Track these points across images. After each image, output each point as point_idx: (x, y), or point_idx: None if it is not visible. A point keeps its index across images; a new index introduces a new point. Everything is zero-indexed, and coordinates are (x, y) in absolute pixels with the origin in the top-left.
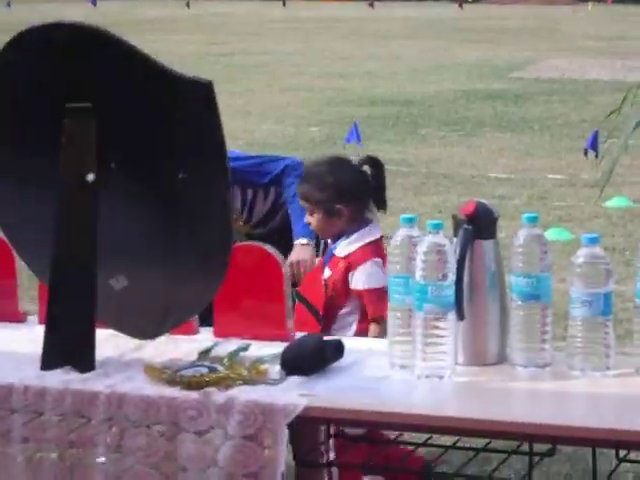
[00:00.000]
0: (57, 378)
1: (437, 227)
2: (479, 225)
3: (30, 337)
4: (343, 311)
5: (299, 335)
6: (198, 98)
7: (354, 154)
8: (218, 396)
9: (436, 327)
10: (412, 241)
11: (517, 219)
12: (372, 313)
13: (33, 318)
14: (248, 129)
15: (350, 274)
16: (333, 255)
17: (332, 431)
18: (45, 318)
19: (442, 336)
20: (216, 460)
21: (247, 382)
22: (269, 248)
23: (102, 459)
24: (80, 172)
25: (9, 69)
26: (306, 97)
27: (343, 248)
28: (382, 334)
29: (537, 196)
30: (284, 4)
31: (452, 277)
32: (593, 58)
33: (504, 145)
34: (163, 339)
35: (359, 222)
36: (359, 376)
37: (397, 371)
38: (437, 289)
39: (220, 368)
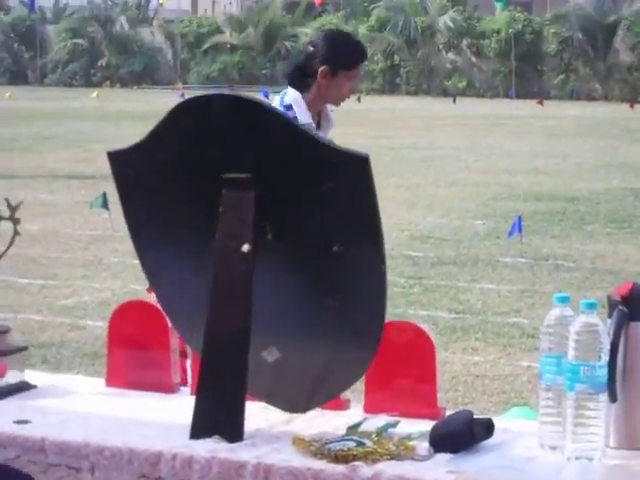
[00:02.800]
0: (205, 447)
1: (591, 307)
2: (634, 306)
3: (181, 408)
4: None
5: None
6: (355, 171)
7: (516, 248)
8: (365, 470)
9: (587, 408)
10: (565, 320)
11: None
12: None
13: (186, 389)
14: (413, 221)
15: None
16: None
17: None
18: (197, 387)
19: (593, 417)
20: None
21: (394, 457)
22: (421, 325)
23: None
24: (236, 243)
25: (167, 139)
26: (472, 191)
27: None
28: None
29: None
30: (454, 101)
31: (605, 358)
32: None
33: None
34: (313, 413)
35: None
36: (507, 456)
37: (547, 452)
38: (590, 369)
39: (368, 443)
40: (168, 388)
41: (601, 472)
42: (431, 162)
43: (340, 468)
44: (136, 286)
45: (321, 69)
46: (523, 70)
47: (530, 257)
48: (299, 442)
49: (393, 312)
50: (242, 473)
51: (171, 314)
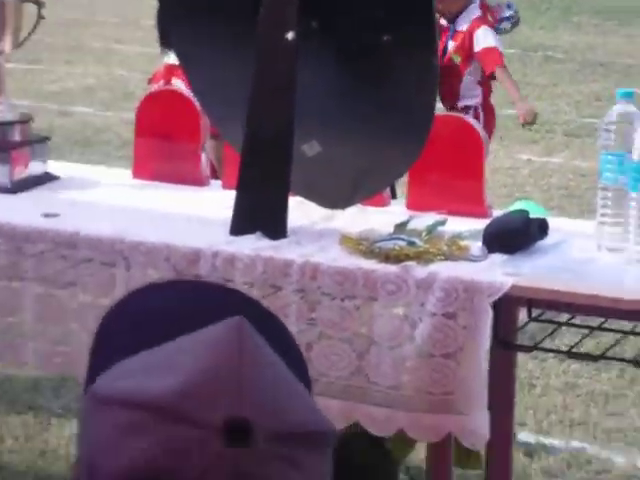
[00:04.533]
0: (248, 244)
1: None
2: None
3: (215, 201)
4: (468, 78)
5: (497, 212)
6: None
7: (504, 38)
8: (418, 271)
9: None
10: (629, 117)
11: None
12: (489, 69)
13: (217, 183)
14: None
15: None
16: (455, 31)
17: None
18: (237, 181)
19: None
20: (413, 337)
21: (448, 258)
22: (470, 120)
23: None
24: (280, 30)
25: None
26: None
27: (464, 22)
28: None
29: None
30: None
31: None
32: None
33: None
34: (354, 209)
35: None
36: (565, 258)
37: (604, 253)
38: None
39: (419, 242)
40: (199, 181)
41: None
42: None
43: (392, 268)
44: (123, 72)
45: None
46: None
47: (519, 47)
48: (347, 240)
49: None
50: (288, 272)
51: (204, 101)
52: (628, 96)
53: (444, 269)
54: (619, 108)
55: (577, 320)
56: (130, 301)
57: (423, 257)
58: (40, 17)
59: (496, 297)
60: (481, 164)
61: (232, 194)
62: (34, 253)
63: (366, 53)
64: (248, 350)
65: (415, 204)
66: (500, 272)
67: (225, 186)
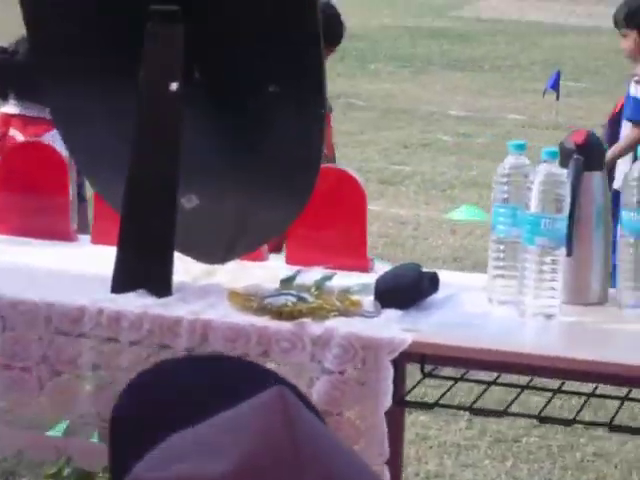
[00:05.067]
0: (133, 302)
1: (553, 156)
2: (589, 155)
3: (88, 257)
4: None
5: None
6: (300, 2)
7: None
8: (314, 327)
9: (546, 262)
10: (522, 170)
11: (485, 158)
12: None
13: (85, 238)
14: None
15: None
16: None
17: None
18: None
19: (551, 272)
20: (309, 395)
21: (342, 314)
22: (351, 171)
23: None
24: (164, 81)
25: None
26: None
27: None
28: None
29: (501, 136)
30: None
31: (565, 209)
32: None
33: (457, 83)
34: (233, 265)
35: None
36: (458, 312)
37: (496, 307)
38: (551, 222)
39: (309, 298)
40: (67, 236)
41: (559, 329)
42: None
43: (287, 325)
44: None
45: None
46: None
47: None
48: (235, 297)
49: None
50: (177, 331)
51: (77, 156)
52: (519, 148)
53: (340, 325)
54: (511, 160)
55: (472, 375)
56: (153, 380)
57: (317, 313)
58: None
59: (396, 354)
60: (363, 217)
61: (104, 250)
62: None
63: (250, 104)
64: (296, 418)
65: (294, 258)
66: (397, 328)
67: (95, 241)
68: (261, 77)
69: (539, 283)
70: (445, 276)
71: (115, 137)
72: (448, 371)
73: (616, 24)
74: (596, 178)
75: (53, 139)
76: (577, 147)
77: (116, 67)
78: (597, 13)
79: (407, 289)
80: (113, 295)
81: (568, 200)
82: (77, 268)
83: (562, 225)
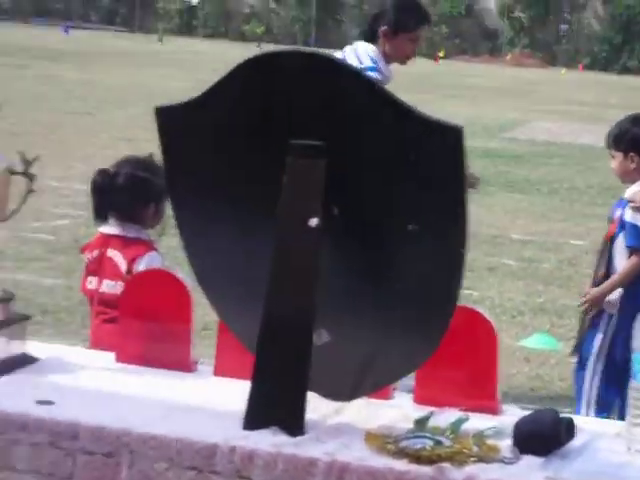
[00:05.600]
0: (265, 439)
1: None
2: None
3: (214, 390)
4: None
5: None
6: (446, 143)
7: None
8: (454, 473)
9: None
10: None
11: (552, 284)
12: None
13: (206, 369)
14: None
15: None
16: None
17: None
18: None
19: None
20: None
21: (480, 459)
22: (481, 310)
23: None
24: (302, 216)
25: (226, 98)
26: None
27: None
28: None
29: (567, 261)
30: (259, 46)
31: None
32: (580, 122)
33: (517, 206)
34: (360, 402)
35: None
36: (597, 460)
37: (636, 457)
38: None
39: (446, 441)
40: (186, 365)
41: None
42: None
43: (425, 470)
44: None
45: (382, 29)
46: (323, 19)
47: None
48: (372, 438)
49: None
50: (313, 472)
51: (205, 285)
52: None
53: (480, 472)
54: None
55: None
56: None
57: (456, 458)
58: (30, 190)
59: None
60: (494, 359)
61: (228, 383)
62: (29, 443)
63: (388, 241)
64: None
65: (424, 398)
66: (540, 476)
67: (217, 373)
68: (400, 215)
69: None
70: (579, 421)
71: (245, 269)
72: None
73: (607, 144)
74: None
75: (151, 260)
76: None
77: (250, 198)
78: None
79: (547, 435)
80: (245, 432)
81: None
82: (204, 401)
83: None
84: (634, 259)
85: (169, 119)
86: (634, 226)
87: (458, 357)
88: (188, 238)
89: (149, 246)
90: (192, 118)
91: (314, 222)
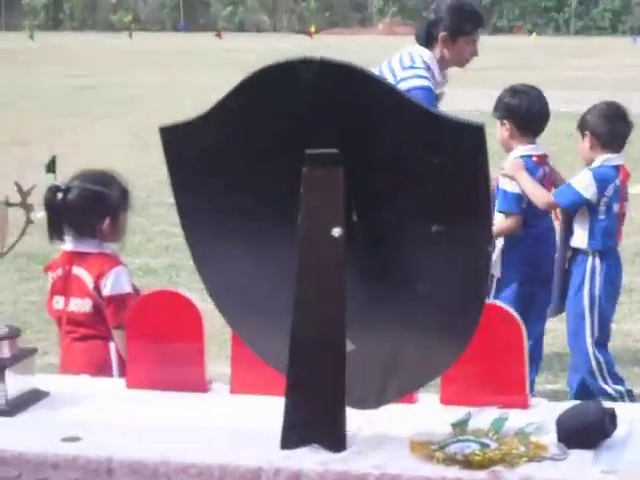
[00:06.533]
0: (310, 458)
1: None
2: None
3: (237, 410)
4: None
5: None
6: (468, 142)
7: None
8: (510, 475)
9: None
10: None
11: None
12: None
13: (222, 387)
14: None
15: None
16: None
17: None
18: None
19: None
20: None
21: (531, 459)
22: (508, 308)
23: None
24: (323, 226)
25: (247, 106)
26: None
27: None
28: None
29: None
30: (130, 36)
31: None
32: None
33: None
34: (388, 409)
35: None
36: None
37: None
38: None
39: (491, 443)
40: (200, 386)
41: None
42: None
43: (480, 475)
44: None
45: (441, 35)
46: (190, 2)
47: None
48: (417, 447)
49: None
50: None
51: (218, 300)
52: None
53: (534, 472)
54: None
55: None
56: None
57: (508, 460)
58: (29, 221)
59: None
60: (522, 353)
61: (247, 400)
62: None
63: (411, 244)
64: None
65: (450, 399)
66: (596, 470)
67: (235, 391)
68: (424, 218)
69: None
70: (619, 410)
71: (262, 280)
72: None
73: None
74: None
75: (118, 275)
76: None
77: (264, 213)
78: None
79: (593, 428)
80: (285, 452)
81: None
82: (230, 422)
83: None
84: (508, 221)
85: (175, 138)
86: (503, 192)
87: (484, 354)
88: (200, 258)
89: (114, 261)
90: (197, 135)
91: (337, 232)
